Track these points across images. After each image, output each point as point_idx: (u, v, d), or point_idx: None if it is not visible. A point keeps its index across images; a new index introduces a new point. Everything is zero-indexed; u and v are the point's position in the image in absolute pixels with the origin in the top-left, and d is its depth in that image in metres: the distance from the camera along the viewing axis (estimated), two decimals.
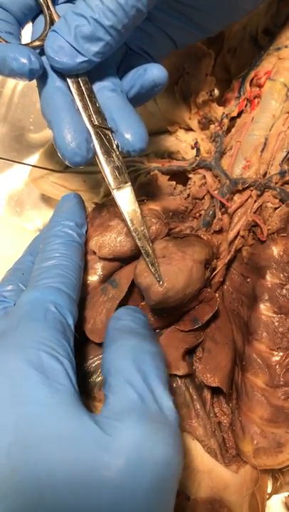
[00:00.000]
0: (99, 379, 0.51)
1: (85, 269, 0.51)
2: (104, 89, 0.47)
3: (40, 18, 0.47)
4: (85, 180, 0.67)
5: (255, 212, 0.56)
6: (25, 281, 0.48)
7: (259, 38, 0.63)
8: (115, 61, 0.50)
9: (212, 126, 0.61)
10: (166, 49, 0.54)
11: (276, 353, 0.51)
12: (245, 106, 0.60)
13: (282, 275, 0.53)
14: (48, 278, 0.43)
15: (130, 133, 0.45)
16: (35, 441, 0.31)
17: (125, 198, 0.47)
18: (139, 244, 0.47)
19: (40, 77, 0.44)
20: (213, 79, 0.61)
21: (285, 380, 0.51)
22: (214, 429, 0.52)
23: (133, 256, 0.52)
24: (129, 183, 0.47)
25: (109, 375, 0.37)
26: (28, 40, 0.46)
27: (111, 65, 0.48)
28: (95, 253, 0.52)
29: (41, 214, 0.75)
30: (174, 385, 0.51)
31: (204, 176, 0.58)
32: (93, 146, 0.45)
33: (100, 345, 0.51)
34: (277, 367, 0.51)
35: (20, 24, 0.47)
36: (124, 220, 0.48)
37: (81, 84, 0.45)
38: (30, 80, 0.42)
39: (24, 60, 0.41)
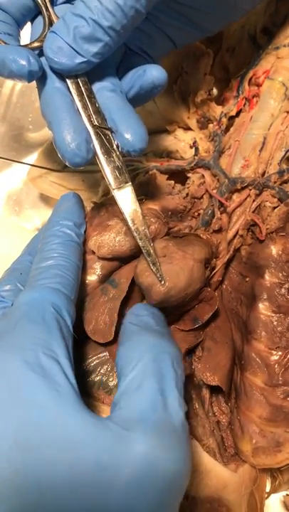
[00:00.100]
0: (98, 378, 0.51)
1: (83, 268, 0.51)
2: (104, 90, 0.47)
3: (39, 19, 0.47)
4: (84, 179, 0.67)
5: (253, 212, 0.56)
6: (24, 281, 0.48)
7: (258, 37, 0.63)
8: (114, 61, 0.50)
9: (211, 125, 0.61)
10: (166, 49, 0.54)
11: (275, 353, 0.52)
12: (244, 105, 0.60)
13: (280, 274, 0.53)
14: (45, 278, 0.43)
15: (130, 133, 0.45)
16: (36, 444, 0.30)
17: (126, 198, 0.47)
18: (140, 244, 0.47)
19: (39, 78, 0.44)
20: (211, 78, 0.61)
21: (283, 379, 0.51)
22: (213, 429, 0.52)
23: (132, 255, 0.52)
24: (130, 183, 0.47)
25: (122, 374, 0.36)
26: (27, 42, 0.46)
27: (110, 65, 0.48)
28: (93, 253, 0.52)
29: (40, 213, 0.75)
30: None
31: (203, 176, 0.58)
32: (93, 146, 0.45)
33: (101, 344, 0.51)
34: (276, 366, 0.51)
35: (19, 25, 0.47)
36: (124, 220, 0.48)
37: (80, 85, 0.45)
38: (30, 81, 0.42)
39: (23, 62, 0.41)
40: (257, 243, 0.55)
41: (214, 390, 0.54)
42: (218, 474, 0.50)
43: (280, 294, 0.53)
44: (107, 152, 0.46)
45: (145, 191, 0.56)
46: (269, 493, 0.54)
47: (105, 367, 0.51)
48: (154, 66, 0.47)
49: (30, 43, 0.45)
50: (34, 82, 0.45)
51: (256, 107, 0.59)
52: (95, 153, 0.45)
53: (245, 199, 0.56)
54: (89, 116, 0.45)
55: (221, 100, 0.63)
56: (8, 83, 0.78)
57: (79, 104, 0.45)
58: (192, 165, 0.58)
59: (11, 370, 0.33)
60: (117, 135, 0.46)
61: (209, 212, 0.56)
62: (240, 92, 0.61)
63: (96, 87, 0.47)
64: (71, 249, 0.47)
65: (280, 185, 0.56)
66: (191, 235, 0.53)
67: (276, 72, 0.59)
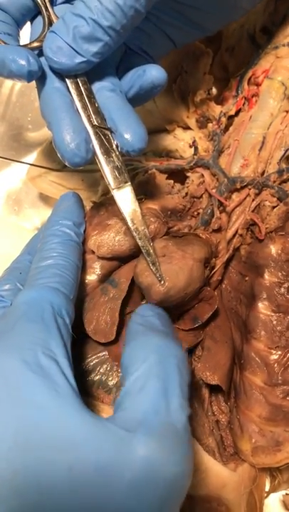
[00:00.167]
0: (97, 377, 0.51)
1: (83, 268, 0.51)
2: (104, 90, 0.47)
3: (39, 19, 0.47)
4: (83, 178, 0.67)
5: (253, 211, 0.56)
6: (23, 281, 0.48)
7: (257, 36, 0.63)
8: (114, 61, 0.50)
9: (210, 124, 0.61)
10: (166, 48, 0.54)
11: (274, 352, 0.52)
12: (243, 104, 0.60)
13: (280, 274, 0.53)
14: (45, 278, 0.43)
15: (129, 133, 0.45)
16: (35, 445, 0.30)
17: (125, 197, 0.47)
18: (140, 243, 0.47)
19: (39, 78, 0.44)
20: (211, 77, 0.60)
21: (283, 379, 0.51)
22: (212, 428, 0.52)
23: (132, 255, 0.52)
24: (129, 183, 0.47)
25: (127, 373, 0.36)
26: (27, 42, 0.46)
27: (110, 64, 0.48)
28: (93, 252, 0.52)
29: (39, 213, 0.75)
30: None
31: (202, 175, 0.58)
32: (92, 146, 0.45)
33: (101, 344, 0.51)
34: (275, 365, 0.51)
35: (19, 25, 0.47)
36: (124, 220, 0.48)
37: (80, 85, 0.45)
38: (29, 81, 0.42)
39: (23, 62, 0.41)
40: (256, 242, 0.56)
41: (214, 389, 0.54)
42: (218, 473, 0.50)
43: (279, 294, 0.53)
44: (107, 152, 0.46)
45: (144, 191, 0.56)
46: (268, 493, 0.54)
47: (104, 366, 0.51)
48: (154, 66, 0.47)
49: (30, 43, 0.45)
50: (34, 82, 0.45)
51: (255, 107, 0.59)
52: (94, 153, 0.45)
53: (245, 198, 0.56)
54: (88, 116, 0.45)
55: (220, 100, 0.63)
56: (8, 83, 0.78)
57: (78, 104, 0.45)
58: (191, 164, 0.58)
59: (9, 370, 0.33)
60: (116, 135, 0.46)
61: (209, 211, 0.56)
62: (239, 92, 0.60)
63: (96, 86, 0.47)
64: (70, 248, 0.47)
65: (280, 185, 0.56)
66: (191, 234, 0.53)
67: (275, 71, 0.59)
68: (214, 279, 0.56)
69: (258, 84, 0.60)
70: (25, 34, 0.48)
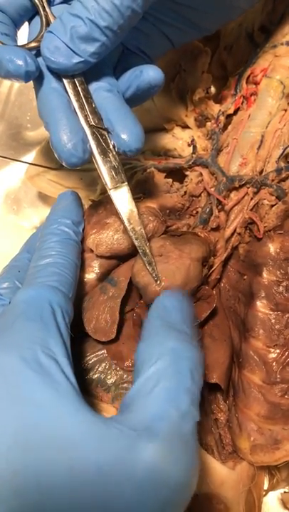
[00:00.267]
0: (96, 376, 0.51)
1: (82, 267, 0.51)
2: (101, 90, 0.47)
3: (36, 20, 0.47)
4: (82, 177, 0.67)
5: (251, 210, 0.56)
6: (22, 279, 0.48)
7: (255, 35, 0.63)
8: (112, 61, 0.50)
9: (208, 123, 0.61)
10: (163, 48, 0.54)
11: (273, 350, 0.52)
12: (242, 103, 0.60)
13: (278, 272, 0.53)
14: (43, 276, 0.43)
15: (126, 133, 0.45)
16: (36, 444, 0.30)
17: (122, 197, 0.47)
18: (136, 244, 0.47)
19: (36, 78, 0.44)
20: (209, 76, 0.60)
21: (281, 377, 0.51)
22: (211, 426, 0.52)
23: (130, 254, 0.52)
24: (126, 183, 0.47)
25: (139, 370, 0.36)
26: (25, 42, 0.46)
27: (107, 65, 0.48)
28: (92, 251, 0.52)
29: (38, 212, 0.75)
30: None
31: (201, 174, 0.58)
32: (89, 146, 0.45)
33: (100, 342, 0.51)
34: (273, 364, 0.51)
35: (16, 25, 0.47)
36: (121, 220, 0.48)
37: (77, 85, 0.45)
38: (27, 81, 0.42)
39: (20, 62, 0.41)
40: (255, 241, 0.56)
41: (212, 387, 0.54)
42: (216, 472, 0.50)
43: (277, 292, 0.53)
44: (104, 152, 0.46)
45: (143, 189, 0.57)
46: (267, 491, 0.54)
47: (103, 365, 0.51)
48: (151, 66, 0.47)
49: (28, 43, 0.45)
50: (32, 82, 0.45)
51: (254, 105, 0.59)
52: (91, 153, 0.45)
53: (243, 197, 0.56)
54: (85, 117, 0.45)
55: (218, 98, 0.63)
56: (6, 82, 0.78)
57: (76, 104, 0.45)
58: (190, 163, 0.58)
59: (8, 369, 0.33)
60: (113, 135, 0.46)
61: (207, 210, 0.56)
62: (238, 90, 0.60)
63: (93, 87, 0.47)
64: (69, 247, 0.47)
65: (278, 183, 0.56)
66: (189, 233, 0.53)
67: (274, 70, 0.59)
68: (212, 278, 0.56)
69: (256, 83, 0.60)
70: (23, 34, 0.48)
